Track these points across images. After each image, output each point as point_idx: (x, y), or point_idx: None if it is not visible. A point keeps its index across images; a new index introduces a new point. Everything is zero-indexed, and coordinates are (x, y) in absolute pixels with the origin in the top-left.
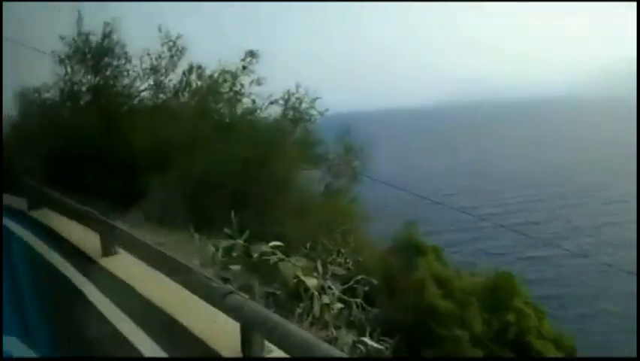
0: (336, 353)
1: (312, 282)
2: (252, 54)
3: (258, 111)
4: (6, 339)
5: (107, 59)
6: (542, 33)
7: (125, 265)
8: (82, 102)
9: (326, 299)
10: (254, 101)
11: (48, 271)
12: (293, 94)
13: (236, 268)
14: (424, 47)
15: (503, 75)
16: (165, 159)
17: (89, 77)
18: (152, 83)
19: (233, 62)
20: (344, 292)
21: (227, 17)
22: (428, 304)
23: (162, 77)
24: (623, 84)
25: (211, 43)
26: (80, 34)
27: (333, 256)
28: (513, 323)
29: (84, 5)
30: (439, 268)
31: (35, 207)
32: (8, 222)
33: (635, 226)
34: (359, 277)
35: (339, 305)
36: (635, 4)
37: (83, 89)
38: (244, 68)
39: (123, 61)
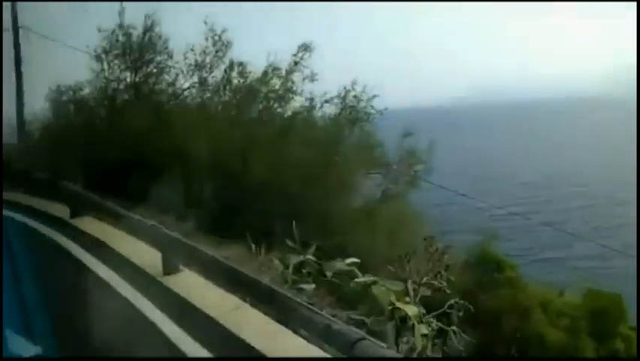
0: None
1: (412, 310)
2: (305, 48)
3: (313, 111)
4: None
5: (149, 55)
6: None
7: (193, 285)
8: (123, 101)
9: (423, 329)
10: (312, 100)
11: (99, 287)
12: (349, 91)
13: (309, 287)
14: (438, 47)
15: (527, 75)
16: (214, 164)
17: (128, 74)
18: (196, 80)
19: (283, 59)
20: (438, 318)
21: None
22: (535, 332)
23: (207, 74)
24: None
25: (255, 38)
26: (121, 26)
27: (427, 278)
28: (622, 351)
29: None
30: (539, 289)
31: (78, 215)
32: (48, 230)
33: None
34: (452, 300)
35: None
36: (635, 4)
37: (123, 87)
38: (296, 63)
39: (165, 56)
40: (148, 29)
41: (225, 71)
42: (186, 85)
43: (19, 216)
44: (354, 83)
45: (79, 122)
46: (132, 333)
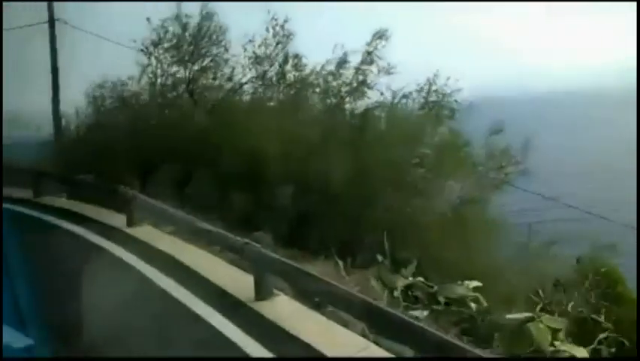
0: None
1: (581, 352)
2: (380, 36)
3: (395, 106)
4: None
5: (205, 46)
6: None
7: (292, 314)
8: (178, 97)
9: None
10: (394, 94)
11: (174, 307)
12: (432, 84)
13: (421, 314)
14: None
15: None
16: (288, 167)
17: (181, 68)
18: (254, 75)
19: (354, 49)
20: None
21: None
22: None
23: (267, 68)
24: None
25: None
26: (177, 17)
27: (584, 309)
28: None
29: None
30: None
31: (135, 224)
32: (99, 239)
33: None
34: (603, 335)
35: None
36: (635, 4)
37: (175, 82)
38: (369, 53)
39: (222, 49)
40: (205, 18)
41: (283, 63)
42: (244, 80)
43: (71, 226)
44: (436, 76)
45: (128, 120)
46: None
